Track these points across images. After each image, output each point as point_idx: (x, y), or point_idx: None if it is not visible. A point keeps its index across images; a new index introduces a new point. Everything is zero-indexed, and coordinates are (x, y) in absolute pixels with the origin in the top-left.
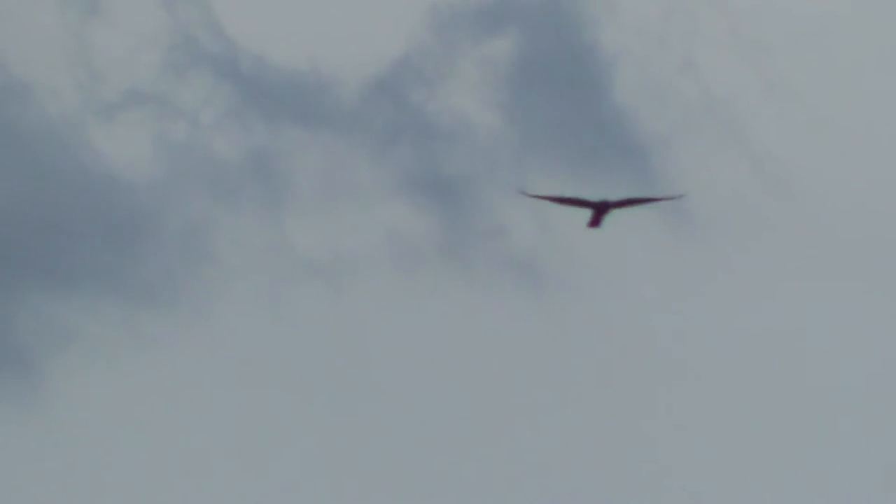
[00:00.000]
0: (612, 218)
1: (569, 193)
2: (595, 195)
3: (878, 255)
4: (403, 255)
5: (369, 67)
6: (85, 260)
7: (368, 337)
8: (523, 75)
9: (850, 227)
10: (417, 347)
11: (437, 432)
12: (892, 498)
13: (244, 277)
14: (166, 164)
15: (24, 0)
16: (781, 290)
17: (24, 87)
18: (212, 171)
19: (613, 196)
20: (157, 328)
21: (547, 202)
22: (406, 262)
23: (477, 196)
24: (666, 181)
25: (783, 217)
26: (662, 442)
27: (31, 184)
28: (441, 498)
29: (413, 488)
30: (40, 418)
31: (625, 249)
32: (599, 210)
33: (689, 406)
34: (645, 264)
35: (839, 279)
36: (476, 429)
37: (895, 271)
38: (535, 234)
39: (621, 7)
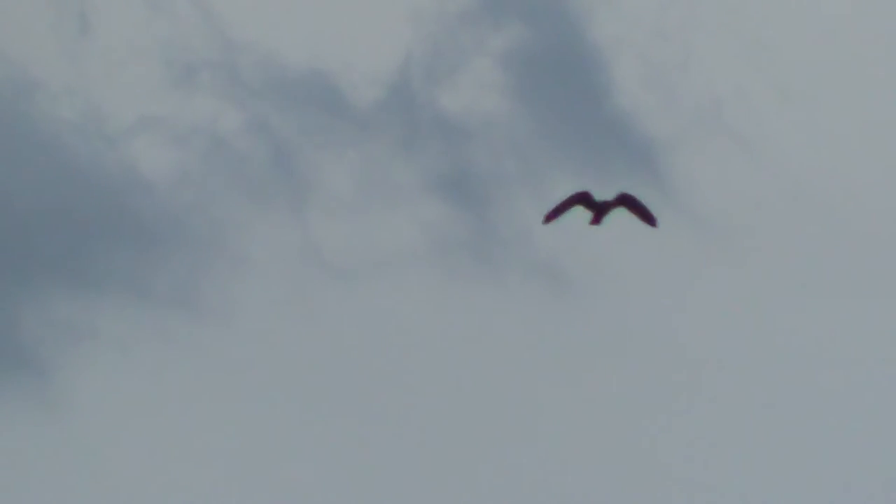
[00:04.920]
0: (626, 220)
1: (574, 192)
2: (603, 194)
3: (885, 255)
4: (423, 254)
5: (378, 67)
6: (107, 261)
7: (392, 338)
8: (525, 71)
9: (858, 227)
10: (442, 348)
11: (463, 433)
12: None
13: (267, 279)
14: (188, 166)
15: (25, 4)
16: (787, 290)
17: (37, 87)
18: (235, 172)
19: (611, 195)
20: (181, 331)
21: (562, 211)
22: (425, 262)
23: (495, 194)
24: (671, 180)
25: (793, 219)
26: (684, 443)
27: (51, 184)
28: (467, 497)
29: (439, 488)
30: (60, 419)
31: (635, 250)
32: (602, 208)
33: (713, 409)
34: (653, 263)
35: (846, 278)
36: (500, 430)
37: None
38: (556, 233)
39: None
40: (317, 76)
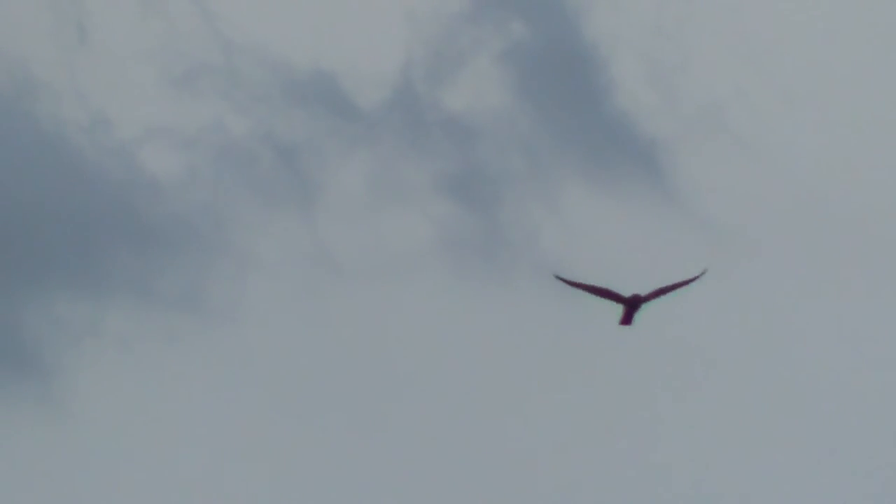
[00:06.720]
0: (630, 224)
1: (602, 284)
2: (626, 290)
3: (888, 256)
4: (432, 253)
5: (382, 67)
6: (113, 262)
7: (401, 338)
8: (527, 70)
9: (861, 227)
10: (451, 348)
11: (470, 432)
12: None
13: (275, 280)
14: (195, 168)
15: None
16: (790, 291)
17: (41, 88)
18: (241, 174)
19: (643, 290)
20: (188, 332)
21: (580, 289)
22: (434, 261)
23: (502, 193)
24: (673, 179)
25: (796, 219)
26: (689, 444)
27: (56, 185)
28: (473, 497)
29: (447, 487)
30: (65, 420)
31: (638, 250)
32: (631, 306)
33: (722, 412)
34: (656, 262)
35: (849, 279)
36: (507, 429)
37: None
38: (561, 233)
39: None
40: (321, 78)
